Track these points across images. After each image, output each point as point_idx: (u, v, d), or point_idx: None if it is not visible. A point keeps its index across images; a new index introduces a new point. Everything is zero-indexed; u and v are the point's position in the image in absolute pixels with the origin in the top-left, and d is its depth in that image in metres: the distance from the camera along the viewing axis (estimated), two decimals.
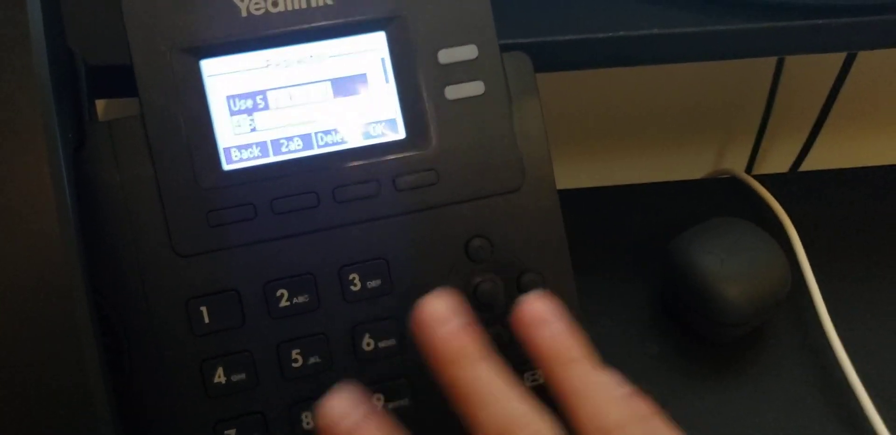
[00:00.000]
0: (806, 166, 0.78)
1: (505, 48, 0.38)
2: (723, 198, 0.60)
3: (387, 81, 0.37)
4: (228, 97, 0.36)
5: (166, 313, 0.35)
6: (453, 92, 0.37)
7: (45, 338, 0.31)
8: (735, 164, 0.87)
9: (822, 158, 0.78)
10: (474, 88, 0.37)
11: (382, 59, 0.37)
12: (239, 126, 0.36)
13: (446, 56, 0.37)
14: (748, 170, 0.85)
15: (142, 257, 0.35)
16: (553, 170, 0.38)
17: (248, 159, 0.36)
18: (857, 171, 0.61)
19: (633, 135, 0.85)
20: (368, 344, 0.36)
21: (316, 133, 0.37)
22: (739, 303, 0.47)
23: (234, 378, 0.36)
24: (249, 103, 0.36)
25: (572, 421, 0.30)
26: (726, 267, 0.47)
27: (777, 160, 0.83)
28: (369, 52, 0.37)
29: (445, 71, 0.37)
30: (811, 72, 0.76)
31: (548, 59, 0.43)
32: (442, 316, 0.32)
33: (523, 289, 0.38)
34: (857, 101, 0.78)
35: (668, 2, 0.46)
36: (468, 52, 0.37)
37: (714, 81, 0.81)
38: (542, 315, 0.32)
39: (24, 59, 0.32)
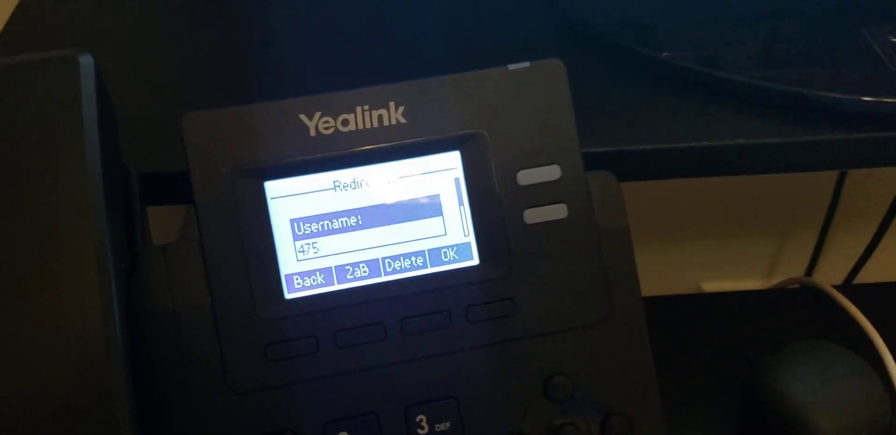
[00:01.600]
0: (864, 276, 0.75)
1: (584, 157, 0.35)
2: (800, 309, 0.57)
3: (461, 204, 0.35)
4: (293, 220, 0.34)
5: None
6: (533, 215, 0.34)
7: None
8: (793, 269, 0.83)
9: (880, 269, 0.74)
10: (556, 212, 0.35)
11: (457, 180, 0.35)
12: (303, 251, 0.34)
13: (526, 177, 0.34)
14: (808, 272, 0.82)
15: (193, 393, 0.32)
16: (642, 301, 0.35)
17: (312, 287, 0.34)
18: None
19: (692, 233, 0.82)
20: None
21: (384, 259, 0.34)
22: None
23: None
24: (315, 227, 0.34)
25: None
26: (819, 397, 0.44)
27: (834, 268, 0.80)
28: (443, 172, 0.35)
29: (525, 193, 0.34)
30: (874, 179, 0.73)
31: (627, 169, 0.40)
32: None
33: (609, 434, 0.34)
34: None
35: (753, 111, 0.43)
36: (550, 172, 0.35)
37: (777, 184, 0.79)
38: None
39: (78, 182, 0.30)
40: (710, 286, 0.85)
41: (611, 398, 0.35)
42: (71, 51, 0.32)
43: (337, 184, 0.34)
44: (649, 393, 0.35)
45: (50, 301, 0.29)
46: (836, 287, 0.55)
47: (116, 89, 0.34)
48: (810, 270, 0.81)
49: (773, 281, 0.85)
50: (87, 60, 0.32)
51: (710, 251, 0.84)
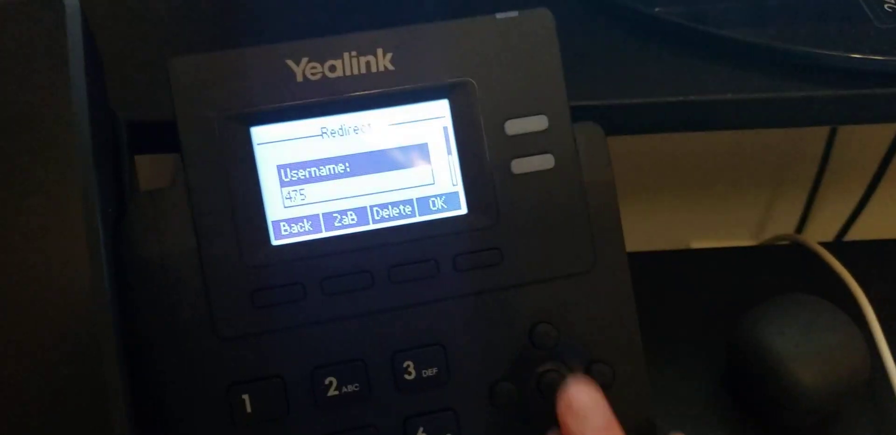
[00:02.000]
0: (854, 233, 0.75)
1: (572, 109, 0.35)
2: (788, 266, 0.57)
3: (449, 153, 0.35)
4: (279, 167, 0.34)
5: (205, 401, 0.33)
6: (520, 165, 0.34)
7: (79, 426, 0.29)
8: (783, 226, 0.84)
9: (870, 227, 0.75)
10: (543, 162, 0.35)
11: (445, 129, 0.34)
12: (290, 198, 0.34)
13: (514, 127, 0.34)
14: (798, 230, 0.82)
15: (181, 340, 0.33)
16: (626, 251, 0.35)
17: (299, 234, 0.34)
18: None
19: (677, 192, 0.82)
20: None
21: (371, 207, 0.34)
22: (814, 388, 0.44)
23: None
24: (302, 174, 0.34)
25: None
26: (801, 349, 0.44)
27: (824, 225, 0.80)
28: (431, 120, 0.34)
29: (512, 142, 0.34)
30: (864, 136, 0.73)
31: (616, 122, 0.40)
32: (593, 407, 0.32)
33: None
34: None
35: (741, 67, 0.43)
36: (538, 123, 0.35)
37: (768, 140, 0.79)
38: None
39: (65, 128, 0.30)
40: (700, 244, 0.85)
41: (594, 346, 0.35)
42: None
43: (324, 130, 0.34)
44: (632, 342, 0.35)
45: (37, 248, 0.29)
46: (825, 244, 0.55)
47: (99, 32, 0.34)
48: (800, 228, 0.81)
49: (763, 239, 0.85)
50: (72, 3, 0.32)
51: (699, 209, 0.84)
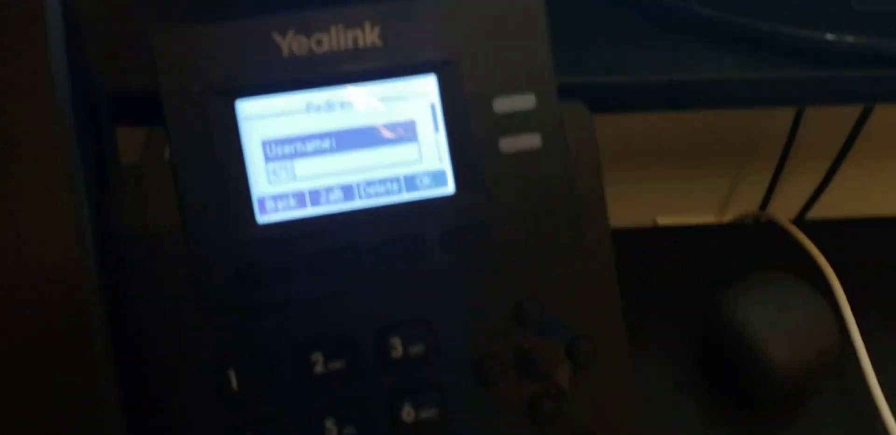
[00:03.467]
0: (815, 212, 0.76)
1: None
2: (757, 243, 0.58)
3: (436, 130, 0.34)
4: (264, 142, 0.33)
5: (191, 376, 0.32)
6: (508, 144, 0.34)
7: (65, 400, 0.28)
8: (746, 203, 0.85)
9: (833, 206, 0.76)
10: (531, 141, 0.35)
11: (433, 106, 0.34)
12: (275, 174, 0.33)
13: (502, 105, 0.34)
14: (762, 207, 0.83)
15: (165, 315, 0.32)
16: (610, 231, 0.35)
17: (284, 210, 0.33)
18: None
19: (647, 167, 0.83)
20: (408, 414, 0.34)
21: (358, 184, 0.34)
22: (787, 365, 0.45)
23: None
24: (287, 150, 0.33)
25: None
26: (774, 327, 0.45)
27: (787, 203, 0.81)
28: (419, 97, 0.34)
29: (500, 121, 0.34)
30: (830, 116, 0.74)
31: (597, 101, 0.40)
32: None
33: (574, 357, 0.35)
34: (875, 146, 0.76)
35: (720, 47, 0.43)
36: (526, 101, 0.34)
37: (734, 117, 0.80)
38: None
39: (44, 98, 0.29)
40: (665, 220, 0.86)
41: (577, 323, 0.35)
42: None
43: (310, 105, 0.33)
44: (614, 318, 0.36)
45: (20, 222, 0.29)
46: (796, 222, 0.56)
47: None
48: (764, 206, 0.82)
49: (728, 216, 0.86)
50: None
51: (664, 186, 0.85)
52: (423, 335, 0.34)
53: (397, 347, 0.34)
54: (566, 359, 0.35)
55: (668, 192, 0.85)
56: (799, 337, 0.45)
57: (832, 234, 0.57)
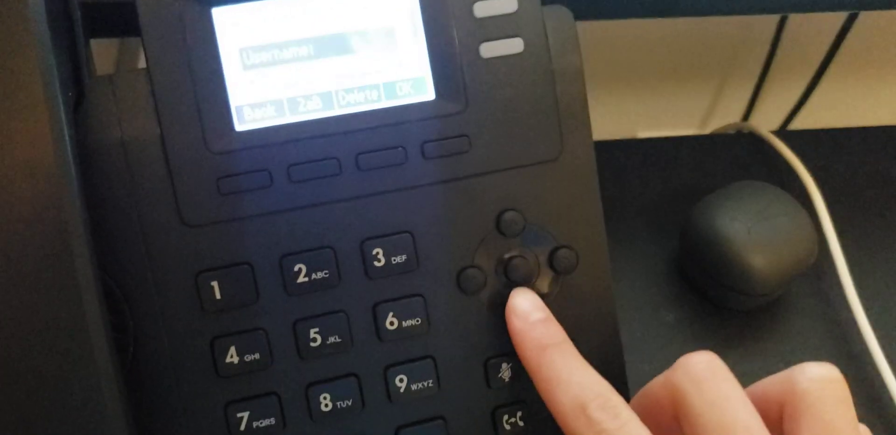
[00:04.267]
0: (798, 123, 0.76)
1: None
2: (737, 154, 0.58)
3: (416, 36, 0.34)
4: (242, 50, 0.32)
5: (174, 288, 0.32)
6: (489, 49, 0.34)
7: (47, 312, 0.28)
8: (730, 114, 0.84)
9: (814, 117, 0.76)
10: (512, 46, 0.34)
11: (412, 11, 0.33)
12: (253, 82, 0.33)
13: (483, 9, 0.34)
14: (744, 119, 0.83)
15: (146, 226, 0.32)
16: (592, 139, 0.35)
17: (262, 119, 0.33)
18: (879, 130, 0.59)
19: (628, 80, 0.82)
20: (392, 323, 0.34)
21: (337, 91, 0.33)
22: (766, 273, 0.45)
23: (248, 358, 0.33)
24: (265, 57, 0.33)
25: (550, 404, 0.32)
26: (754, 236, 0.45)
27: (770, 114, 0.81)
28: (397, 2, 0.33)
29: (481, 25, 0.34)
30: (812, 26, 0.73)
31: (582, 7, 0.39)
32: (531, 307, 0.34)
33: (556, 265, 0.35)
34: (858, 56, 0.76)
35: None
36: (507, 4, 0.34)
37: (716, 27, 0.78)
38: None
39: (20, 11, 0.28)
40: (647, 133, 0.86)
41: (559, 232, 0.35)
42: None
43: (288, 12, 0.33)
44: (596, 228, 0.36)
45: None
46: (776, 133, 0.56)
47: None
48: (747, 117, 0.82)
49: (709, 128, 0.86)
50: None
51: (646, 98, 0.84)
52: (405, 245, 0.34)
53: (380, 257, 0.34)
54: (548, 268, 0.35)
55: (649, 106, 0.85)
56: (778, 244, 0.45)
57: (814, 144, 0.57)
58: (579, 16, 0.38)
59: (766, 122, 0.79)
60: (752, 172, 0.53)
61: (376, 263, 0.34)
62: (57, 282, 0.28)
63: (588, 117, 0.35)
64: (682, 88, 0.84)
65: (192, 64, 0.32)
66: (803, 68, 0.72)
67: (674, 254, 0.51)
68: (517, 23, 0.34)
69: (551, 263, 0.35)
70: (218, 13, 0.32)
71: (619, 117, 0.84)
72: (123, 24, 0.35)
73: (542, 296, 0.35)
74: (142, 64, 0.54)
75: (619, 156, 0.58)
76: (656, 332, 0.48)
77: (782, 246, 0.45)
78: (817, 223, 0.49)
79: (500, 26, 0.34)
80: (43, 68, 0.28)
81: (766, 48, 0.76)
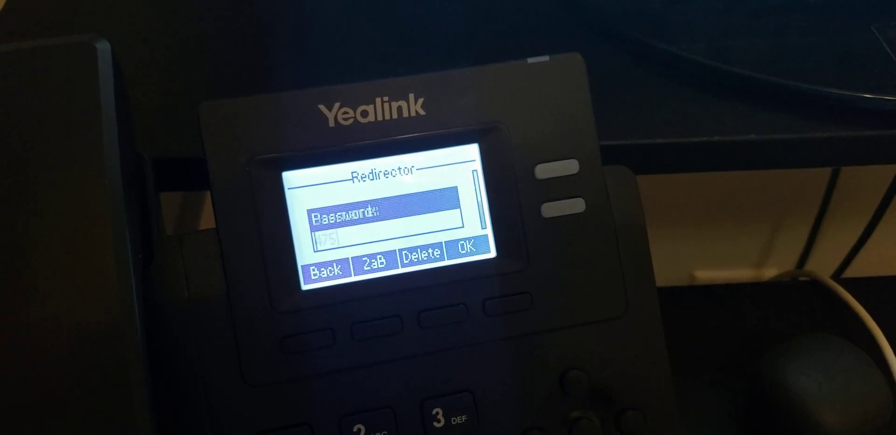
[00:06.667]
0: (852, 270, 0.75)
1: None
2: (800, 302, 0.57)
3: (478, 196, 0.34)
4: (310, 211, 0.33)
5: None
6: (551, 209, 0.34)
7: None
8: (784, 260, 0.84)
9: (869, 264, 0.75)
10: (574, 206, 0.34)
11: (475, 172, 0.34)
12: (320, 242, 0.33)
13: (544, 171, 0.34)
14: (799, 266, 0.82)
15: (209, 385, 0.32)
16: (657, 297, 0.35)
17: (328, 278, 0.33)
18: None
19: (681, 225, 0.82)
20: None
21: (401, 250, 0.34)
22: (838, 430, 0.43)
23: None
24: (332, 218, 0.34)
25: None
26: (825, 391, 0.44)
27: (824, 260, 0.80)
28: (461, 164, 0.34)
29: (543, 186, 0.34)
30: (867, 174, 0.73)
31: (642, 164, 0.40)
32: None
33: (623, 428, 0.34)
34: None
35: (760, 106, 0.43)
36: (568, 166, 0.34)
37: (772, 175, 0.79)
38: None
39: (96, 172, 0.29)
40: (703, 275, 0.85)
41: (625, 392, 0.35)
42: (87, 36, 0.32)
43: (355, 175, 0.34)
44: (663, 387, 0.35)
45: (69, 293, 0.29)
46: (838, 280, 0.55)
47: (129, 73, 0.34)
48: (801, 264, 0.81)
49: (765, 272, 0.85)
50: (104, 47, 0.32)
51: (702, 242, 0.84)
52: (466, 405, 0.33)
53: (440, 417, 0.33)
54: (614, 430, 0.34)
55: (705, 248, 0.84)
56: (849, 401, 0.44)
57: (874, 291, 0.56)
58: (639, 171, 0.38)
59: (821, 266, 0.78)
60: (814, 321, 0.51)
61: (436, 424, 0.33)
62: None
63: (652, 274, 0.35)
64: (739, 231, 0.84)
65: (262, 225, 0.33)
66: (858, 216, 0.72)
67: (741, 407, 0.50)
68: (579, 183, 0.34)
69: (617, 425, 0.34)
70: (288, 177, 0.33)
71: (676, 259, 0.84)
72: (192, 178, 0.37)
73: None
74: (205, 213, 0.56)
75: (679, 302, 0.57)
76: None
77: (855, 402, 0.44)
78: (890, 378, 0.48)
79: (561, 187, 0.34)
80: (115, 229, 0.29)
81: (821, 193, 0.76)
